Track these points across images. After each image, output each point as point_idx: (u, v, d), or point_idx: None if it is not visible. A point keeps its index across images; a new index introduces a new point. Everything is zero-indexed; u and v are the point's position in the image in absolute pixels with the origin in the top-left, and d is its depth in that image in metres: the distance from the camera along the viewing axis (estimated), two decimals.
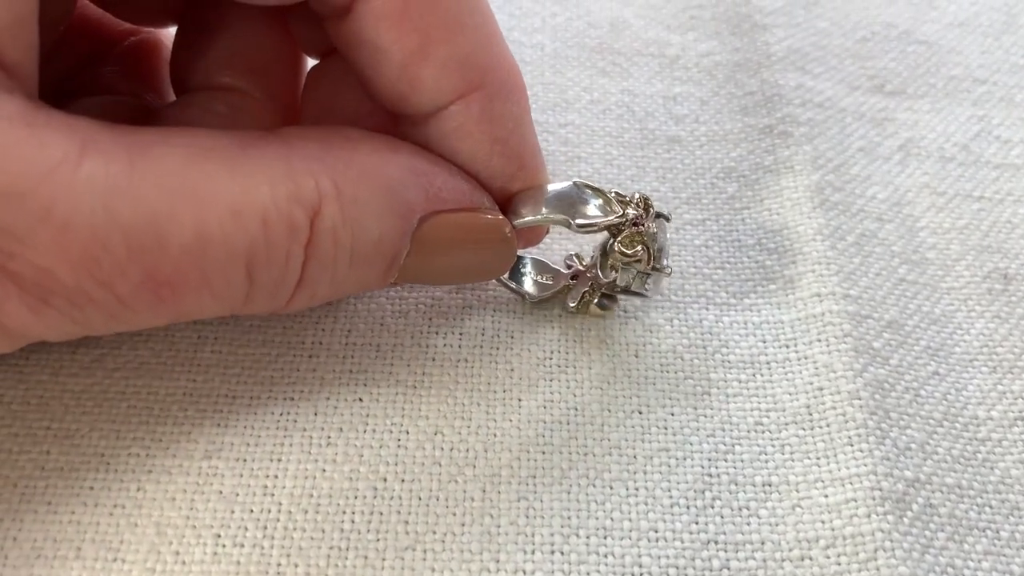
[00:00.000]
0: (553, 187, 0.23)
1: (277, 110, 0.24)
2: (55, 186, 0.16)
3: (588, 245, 0.27)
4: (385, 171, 0.20)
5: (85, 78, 0.25)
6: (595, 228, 0.23)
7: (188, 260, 0.18)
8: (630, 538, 0.22)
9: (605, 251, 0.24)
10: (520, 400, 0.24)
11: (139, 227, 0.17)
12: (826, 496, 0.22)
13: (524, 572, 0.21)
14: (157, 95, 0.26)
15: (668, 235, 0.24)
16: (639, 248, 0.23)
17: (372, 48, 0.20)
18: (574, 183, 0.23)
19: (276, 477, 0.22)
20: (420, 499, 0.22)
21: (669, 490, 0.22)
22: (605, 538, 0.22)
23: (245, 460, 0.22)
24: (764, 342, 0.26)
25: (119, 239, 0.17)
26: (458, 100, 0.21)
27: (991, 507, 0.23)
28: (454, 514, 0.22)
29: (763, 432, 0.24)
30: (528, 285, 0.26)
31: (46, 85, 0.19)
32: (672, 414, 0.24)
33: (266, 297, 0.19)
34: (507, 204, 0.23)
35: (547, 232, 0.25)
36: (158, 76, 0.26)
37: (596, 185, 0.23)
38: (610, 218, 0.23)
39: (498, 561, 0.21)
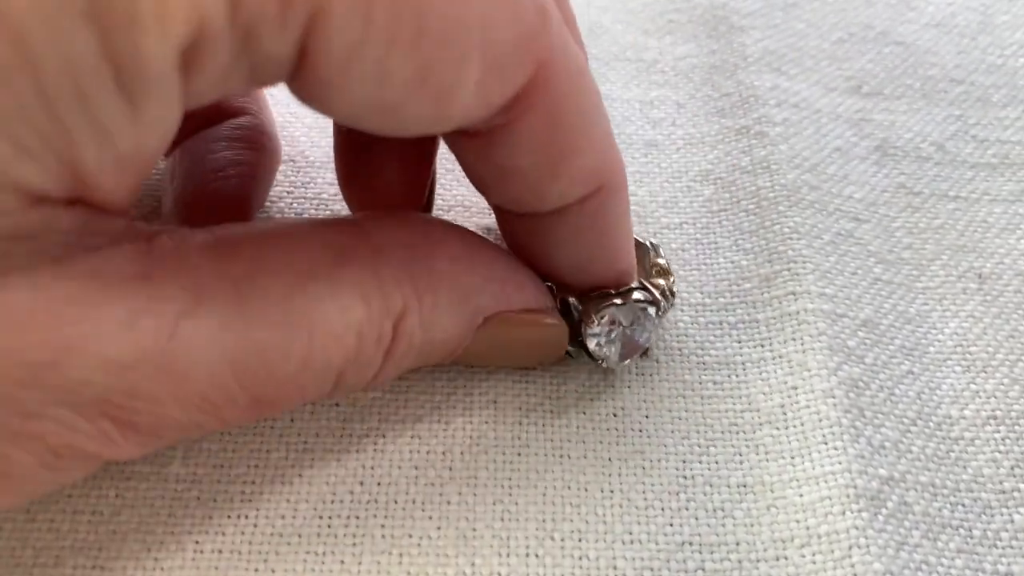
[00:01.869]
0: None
1: None
2: (177, 344, 0.17)
3: None
4: (464, 279, 0.21)
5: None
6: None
7: (292, 383, 0.19)
8: (605, 540, 0.22)
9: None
10: (496, 402, 0.24)
11: (251, 363, 0.18)
12: (801, 495, 0.23)
13: (500, 575, 0.21)
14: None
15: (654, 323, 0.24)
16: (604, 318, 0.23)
17: (505, 165, 0.20)
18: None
19: (254, 483, 0.22)
20: (397, 502, 0.22)
21: (644, 492, 0.23)
22: (580, 541, 0.22)
23: (223, 466, 0.23)
24: (739, 342, 0.26)
25: (231, 376, 0.18)
26: (579, 203, 0.21)
27: (964, 505, 0.23)
28: (431, 517, 0.22)
29: (737, 433, 0.24)
30: None
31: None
32: (647, 416, 0.24)
33: (340, 394, 0.21)
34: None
35: None
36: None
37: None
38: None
39: (474, 564, 0.21)
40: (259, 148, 0.26)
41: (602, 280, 0.23)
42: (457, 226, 0.22)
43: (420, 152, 0.24)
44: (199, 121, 0.26)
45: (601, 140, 0.20)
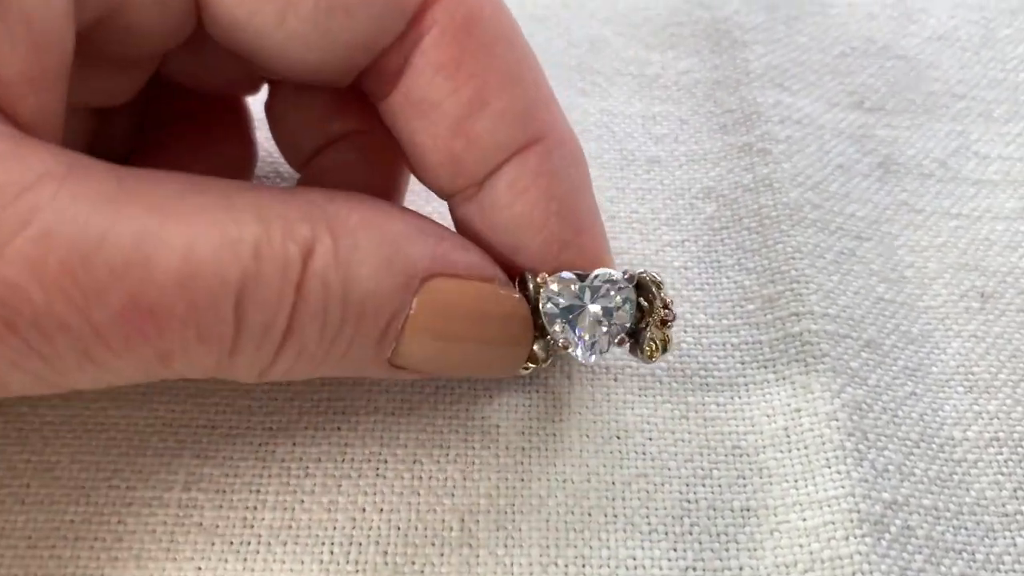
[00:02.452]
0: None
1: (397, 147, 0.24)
2: (37, 196, 0.15)
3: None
4: (388, 224, 0.19)
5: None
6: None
7: (175, 287, 0.16)
8: (608, 566, 0.22)
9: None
10: (499, 427, 0.24)
11: (123, 245, 0.16)
12: (804, 520, 0.23)
13: None
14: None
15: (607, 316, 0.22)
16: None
17: (426, 106, 0.20)
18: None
19: (255, 508, 0.22)
20: (398, 529, 0.22)
21: (647, 517, 0.23)
22: (583, 567, 0.22)
23: (224, 491, 0.22)
24: (742, 363, 0.26)
25: (100, 258, 0.16)
26: (515, 156, 0.20)
27: (967, 529, 0.23)
28: (432, 544, 0.22)
29: (741, 456, 0.24)
30: None
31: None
32: (650, 439, 0.24)
33: (253, 347, 0.18)
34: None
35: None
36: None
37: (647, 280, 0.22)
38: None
39: None
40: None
41: (567, 262, 0.21)
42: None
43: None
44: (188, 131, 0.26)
45: (536, 87, 0.20)
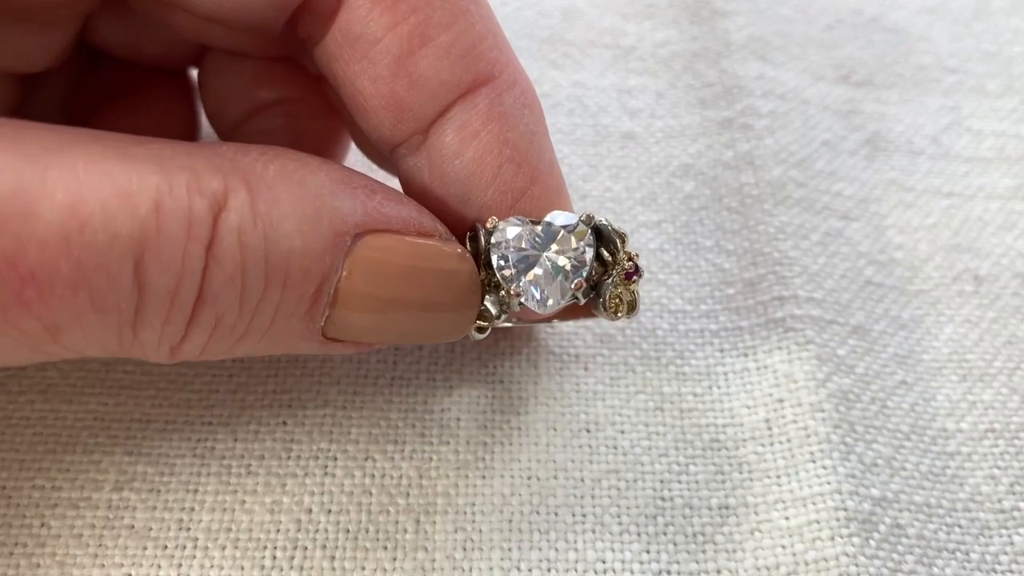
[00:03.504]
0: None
1: (332, 115, 0.22)
2: None
3: None
4: (312, 176, 0.17)
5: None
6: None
7: (58, 243, 0.14)
8: (576, 570, 0.20)
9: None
10: (459, 420, 0.22)
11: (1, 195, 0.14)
12: (787, 518, 0.21)
13: None
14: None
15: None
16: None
17: (364, 44, 0.18)
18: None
19: (192, 510, 0.21)
20: (348, 532, 0.20)
21: (619, 516, 0.21)
22: (549, 571, 0.20)
23: (159, 491, 0.21)
24: (721, 351, 0.24)
25: None
26: (463, 98, 0.19)
27: (960, 527, 0.22)
28: (385, 548, 0.20)
29: (720, 450, 0.22)
30: None
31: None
32: (622, 432, 0.22)
33: (159, 318, 0.16)
34: None
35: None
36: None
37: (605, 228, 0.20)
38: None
39: None
40: None
41: (523, 213, 0.19)
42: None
43: None
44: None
45: (483, 22, 0.19)
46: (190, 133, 0.25)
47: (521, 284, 0.19)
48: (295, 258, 0.17)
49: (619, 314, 0.20)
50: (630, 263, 0.20)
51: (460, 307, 0.19)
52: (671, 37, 0.32)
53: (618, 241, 0.20)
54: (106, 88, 0.24)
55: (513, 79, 0.19)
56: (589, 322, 0.24)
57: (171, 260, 0.15)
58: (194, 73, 0.25)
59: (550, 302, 0.19)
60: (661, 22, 0.33)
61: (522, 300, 0.19)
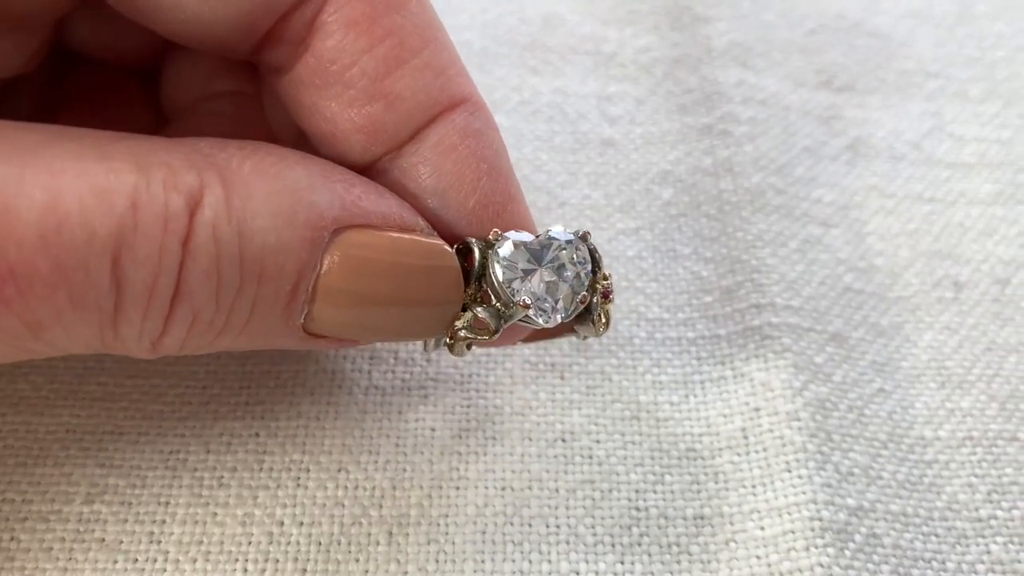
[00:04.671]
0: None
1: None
2: None
3: None
4: (289, 171, 0.17)
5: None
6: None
7: (37, 242, 0.15)
8: None
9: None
10: (433, 430, 0.22)
11: None
12: (762, 528, 0.21)
13: None
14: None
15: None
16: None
17: (338, 69, 0.18)
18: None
19: (163, 522, 0.20)
20: (320, 544, 0.20)
21: (593, 527, 0.21)
22: None
23: (130, 504, 0.21)
24: (698, 359, 0.24)
25: None
26: (439, 117, 0.19)
27: (937, 536, 0.21)
28: (357, 560, 0.20)
29: (696, 459, 0.22)
30: None
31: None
32: (598, 442, 0.22)
33: (138, 314, 0.16)
34: None
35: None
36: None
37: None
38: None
39: None
40: None
41: (504, 227, 0.19)
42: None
43: None
44: None
45: (449, 48, 0.19)
46: (156, 131, 0.25)
47: (528, 295, 0.19)
48: (269, 254, 0.17)
49: (602, 331, 0.20)
50: (607, 282, 0.20)
51: (443, 302, 0.19)
52: (652, 43, 0.32)
53: (598, 258, 0.20)
54: (79, 90, 0.24)
55: (480, 102, 0.19)
56: None
57: (148, 256, 0.16)
58: None
59: (561, 314, 0.19)
60: (642, 28, 0.32)
61: (530, 312, 0.19)
